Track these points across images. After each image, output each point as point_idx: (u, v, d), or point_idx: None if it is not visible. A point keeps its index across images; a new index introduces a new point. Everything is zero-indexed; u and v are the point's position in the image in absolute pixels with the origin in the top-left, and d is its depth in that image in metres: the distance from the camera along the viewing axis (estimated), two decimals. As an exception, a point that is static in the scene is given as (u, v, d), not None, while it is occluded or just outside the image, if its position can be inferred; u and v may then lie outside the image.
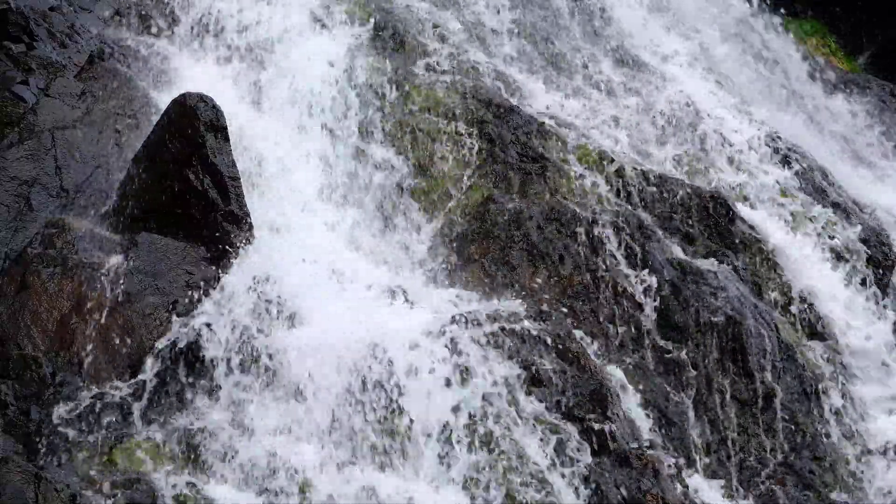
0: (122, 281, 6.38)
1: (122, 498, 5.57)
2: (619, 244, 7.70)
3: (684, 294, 7.62)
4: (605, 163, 8.32)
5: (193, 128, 6.79)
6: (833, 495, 7.27)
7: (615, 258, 7.65)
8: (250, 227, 6.84)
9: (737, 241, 8.24)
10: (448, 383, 6.31)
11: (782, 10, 12.21)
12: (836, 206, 9.05)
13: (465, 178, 8.05)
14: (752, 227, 8.35)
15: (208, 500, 5.74)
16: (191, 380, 6.18)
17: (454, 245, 7.72)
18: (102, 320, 6.27)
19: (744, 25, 11.88)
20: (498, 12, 9.69)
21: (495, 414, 6.33)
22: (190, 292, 6.48)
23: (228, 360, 6.24)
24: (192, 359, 6.22)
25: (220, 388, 6.17)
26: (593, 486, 6.31)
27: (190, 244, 6.69)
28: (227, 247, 6.71)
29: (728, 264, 8.03)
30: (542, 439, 6.39)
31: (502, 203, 7.84)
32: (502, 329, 6.73)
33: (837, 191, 9.27)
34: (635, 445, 6.69)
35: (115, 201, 6.91)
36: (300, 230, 7.20)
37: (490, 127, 8.25)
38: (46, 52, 7.53)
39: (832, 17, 12.65)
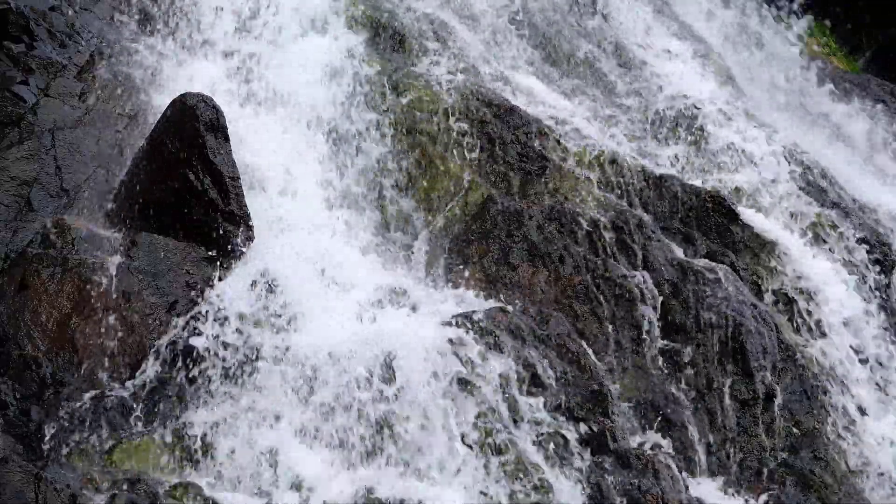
0: (122, 281, 6.38)
1: (122, 498, 5.57)
2: (619, 244, 7.70)
3: (684, 294, 7.62)
4: (605, 163, 8.32)
5: (193, 128, 6.79)
6: (833, 495, 7.27)
7: (615, 258, 7.65)
8: (250, 227, 6.84)
9: (737, 241, 8.24)
10: (448, 384, 6.31)
11: (783, 11, 12.22)
12: (836, 205, 9.05)
13: (465, 178, 8.05)
14: (752, 227, 8.35)
15: (208, 500, 5.74)
16: (190, 380, 6.18)
17: (454, 245, 7.71)
18: (102, 320, 6.27)
19: (744, 25, 11.88)
20: (498, 12, 9.69)
21: (495, 414, 6.33)
22: (190, 292, 6.48)
23: (228, 361, 6.24)
24: (191, 359, 6.22)
25: (220, 388, 6.17)
26: (593, 486, 6.31)
27: (190, 244, 6.68)
28: (227, 247, 6.71)
29: (728, 264, 8.03)
30: (542, 439, 6.39)
31: (502, 203, 7.84)
32: (502, 329, 6.73)
33: (837, 191, 9.27)
34: (635, 445, 6.69)
35: (115, 201, 6.91)
36: (300, 230, 7.20)
37: (490, 127, 8.25)
38: (46, 52, 7.52)
39: (832, 17, 12.66)
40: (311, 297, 6.60)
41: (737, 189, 8.89)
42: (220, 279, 6.56)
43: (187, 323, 6.34)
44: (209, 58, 8.26)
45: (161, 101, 7.44)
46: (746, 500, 7.10)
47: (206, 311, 6.39)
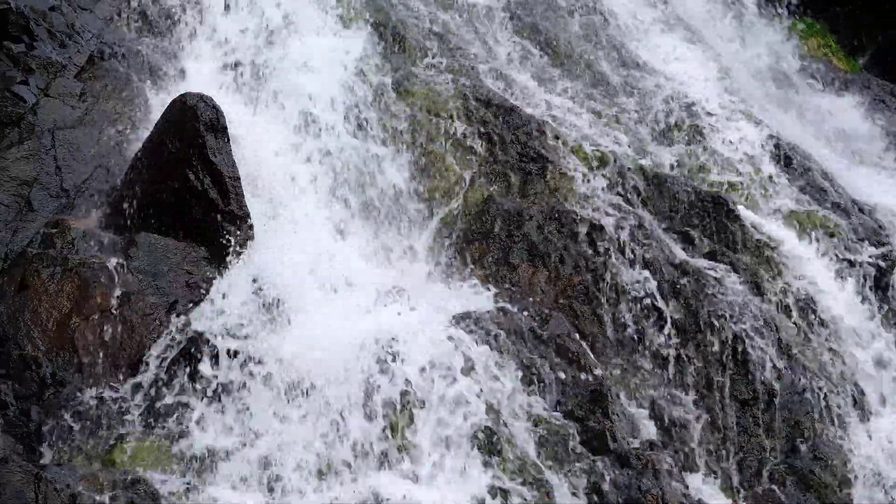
0: (122, 281, 6.38)
1: (122, 498, 5.57)
2: (619, 244, 7.70)
3: (684, 294, 7.62)
4: (605, 163, 8.32)
5: (193, 128, 6.79)
6: (833, 495, 7.27)
7: (615, 258, 7.65)
8: (250, 226, 6.84)
9: (737, 241, 8.24)
10: (448, 384, 6.31)
11: (783, 11, 12.22)
12: (835, 205, 9.05)
13: (466, 178, 8.05)
14: (751, 227, 8.36)
15: (207, 500, 5.74)
16: (190, 380, 6.18)
17: (454, 245, 7.72)
18: (102, 320, 6.27)
19: (744, 25, 11.89)
20: (498, 11, 9.70)
21: (496, 414, 6.33)
22: (190, 292, 6.48)
23: (228, 361, 6.24)
24: (191, 359, 6.22)
25: (220, 388, 6.17)
26: (593, 486, 6.31)
27: (190, 244, 6.69)
28: (227, 247, 6.71)
29: (728, 264, 8.03)
30: (542, 439, 6.39)
31: (502, 203, 7.84)
32: (502, 329, 6.73)
33: (837, 191, 9.27)
34: (635, 445, 6.70)
35: (115, 201, 6.91)
36: (300, 230, 7.20)
37: (490, 127, 8.25)
38: (46, 52, 7.52)
39: (832, 17, 12.66)
40: (310, 296, 6.60)
41: (736, 188, 8.89)
42: (219, 279, 6.56)
43: (187, 323, 6.34)
44: (209, 57, 8.26)
45: (161, 101, 7.44)
46: (746, 500, 7.11)
47: (206, 311, 6.39)
